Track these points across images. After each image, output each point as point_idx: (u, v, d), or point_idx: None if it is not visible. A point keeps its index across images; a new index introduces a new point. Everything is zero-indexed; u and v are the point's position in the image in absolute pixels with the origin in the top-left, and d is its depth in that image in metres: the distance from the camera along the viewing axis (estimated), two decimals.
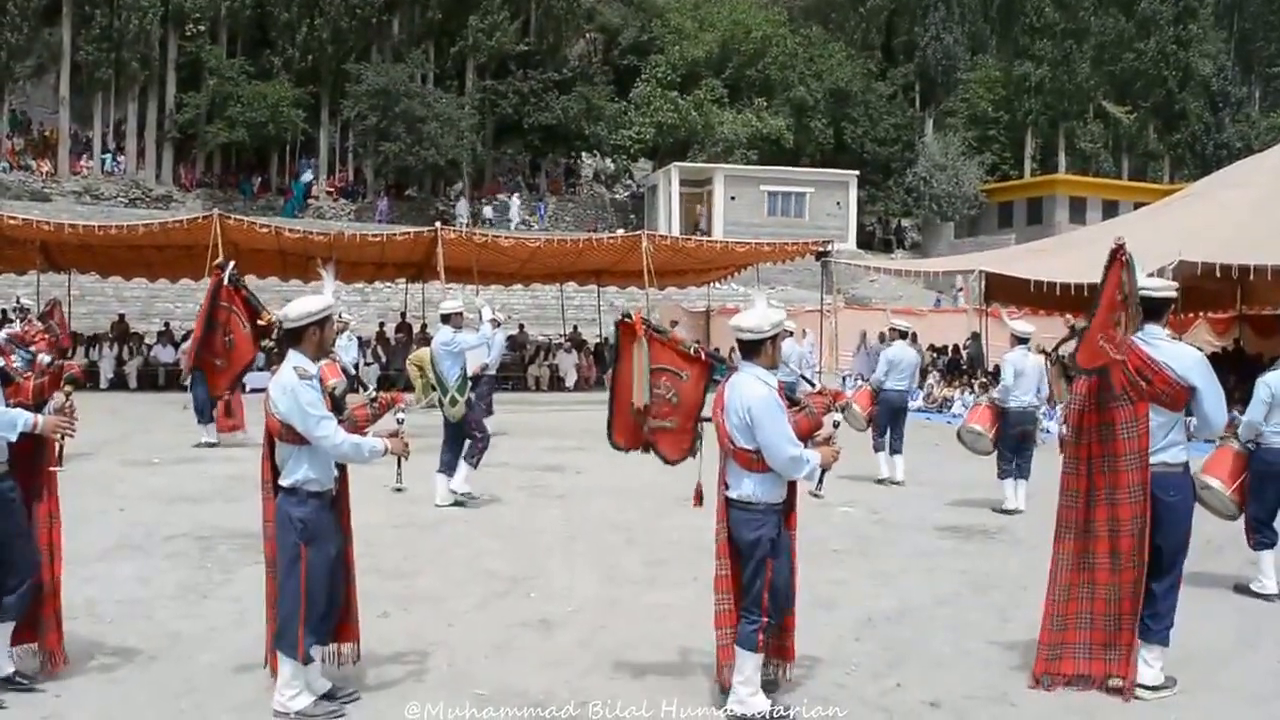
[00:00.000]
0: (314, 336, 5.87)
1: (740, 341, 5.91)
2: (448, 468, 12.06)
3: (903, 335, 15.06)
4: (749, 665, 5.77)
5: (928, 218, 57.98)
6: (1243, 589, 8.69)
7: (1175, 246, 18.65)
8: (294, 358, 5.82)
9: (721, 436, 5.87)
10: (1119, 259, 6.14)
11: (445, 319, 12.44)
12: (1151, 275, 7.02)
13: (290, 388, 5.69)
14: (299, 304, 5.94)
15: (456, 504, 11.92)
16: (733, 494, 5.86)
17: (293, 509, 5.78)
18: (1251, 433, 8.66)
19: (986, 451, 12.83)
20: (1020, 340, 12.57)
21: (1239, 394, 13.32)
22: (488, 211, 52.20)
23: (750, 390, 5.76)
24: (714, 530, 5.96)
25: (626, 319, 6.22)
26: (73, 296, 30.28)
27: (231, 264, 6.24)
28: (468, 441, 12.13)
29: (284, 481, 5.82)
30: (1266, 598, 8.53)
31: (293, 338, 5.88)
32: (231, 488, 12.53)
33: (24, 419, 5.84)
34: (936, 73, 61.56)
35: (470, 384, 12.50)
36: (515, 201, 52.82)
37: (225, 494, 12.29)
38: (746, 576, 5.79)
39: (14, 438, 5.84)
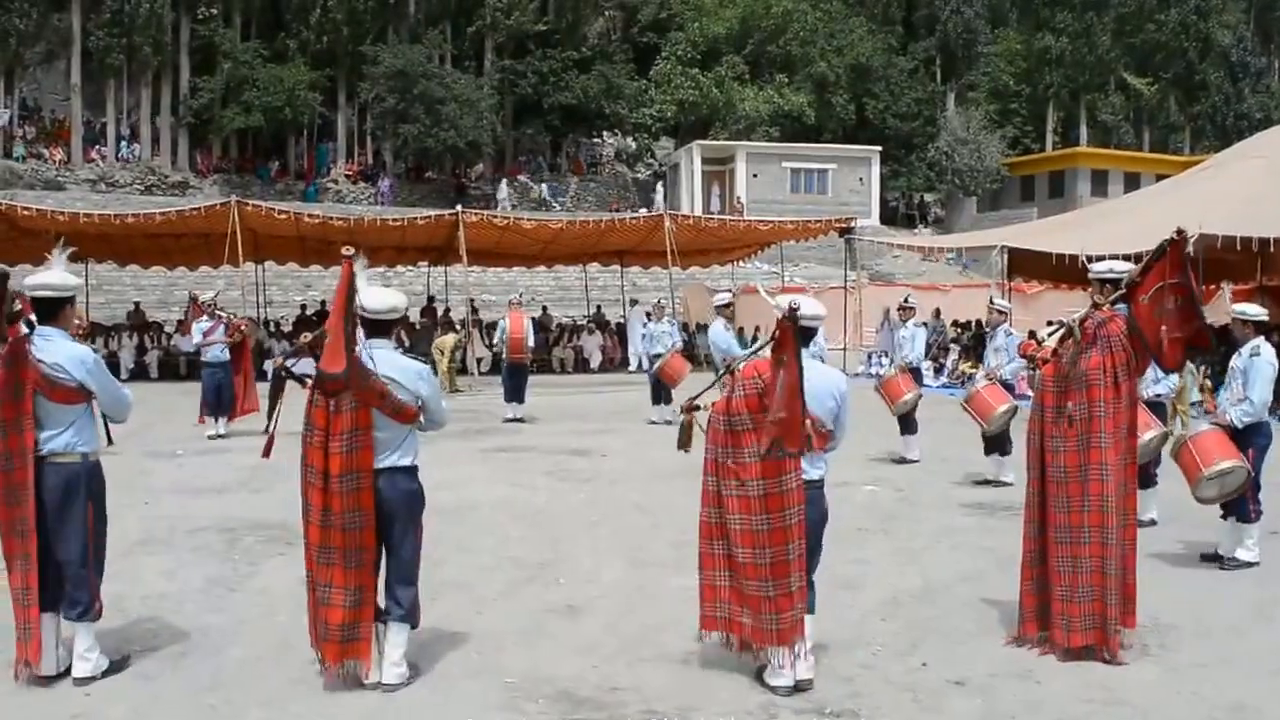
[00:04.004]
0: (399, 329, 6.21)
1: (803, 328, 5.86)
2: None
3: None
4: (811, 627, 6.01)
5: (950, 192, 57.83)
6: (1212, 557, 8.82)
7: (1196, 218, 18.55)
8: (388, 345, 6.16)
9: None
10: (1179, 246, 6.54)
11: (721, 309, 13.49)
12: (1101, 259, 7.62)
13: (427, 374, 6.15)
14: (386, 295, 6.21)
15: None
16: (812, 475, 6.01)
17: (415, 485, 6.12)
18: (1263, 411, 8.63)
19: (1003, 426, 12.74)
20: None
21: None
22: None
23: (836, 376, 6.19)
24: (769, 516, 5.87)
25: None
26: (90, 286, 30.38)
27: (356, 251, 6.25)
28: None
29: (404, 461, 6.04)
30: (1248, 565, 8.64)
31: (383, 329, 6.14)
32: (255, 478, 12.52)
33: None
34: (957, 46, 61.23)
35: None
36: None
37: (249, 485, 12.29)
38: (811, 548, 6.02)
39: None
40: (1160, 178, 41.84)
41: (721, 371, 6.21)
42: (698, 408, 6.43)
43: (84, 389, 6.01)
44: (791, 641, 5.88)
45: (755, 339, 15.53)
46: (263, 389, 16.82)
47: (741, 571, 5.94)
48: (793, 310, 5.70)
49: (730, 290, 13.17)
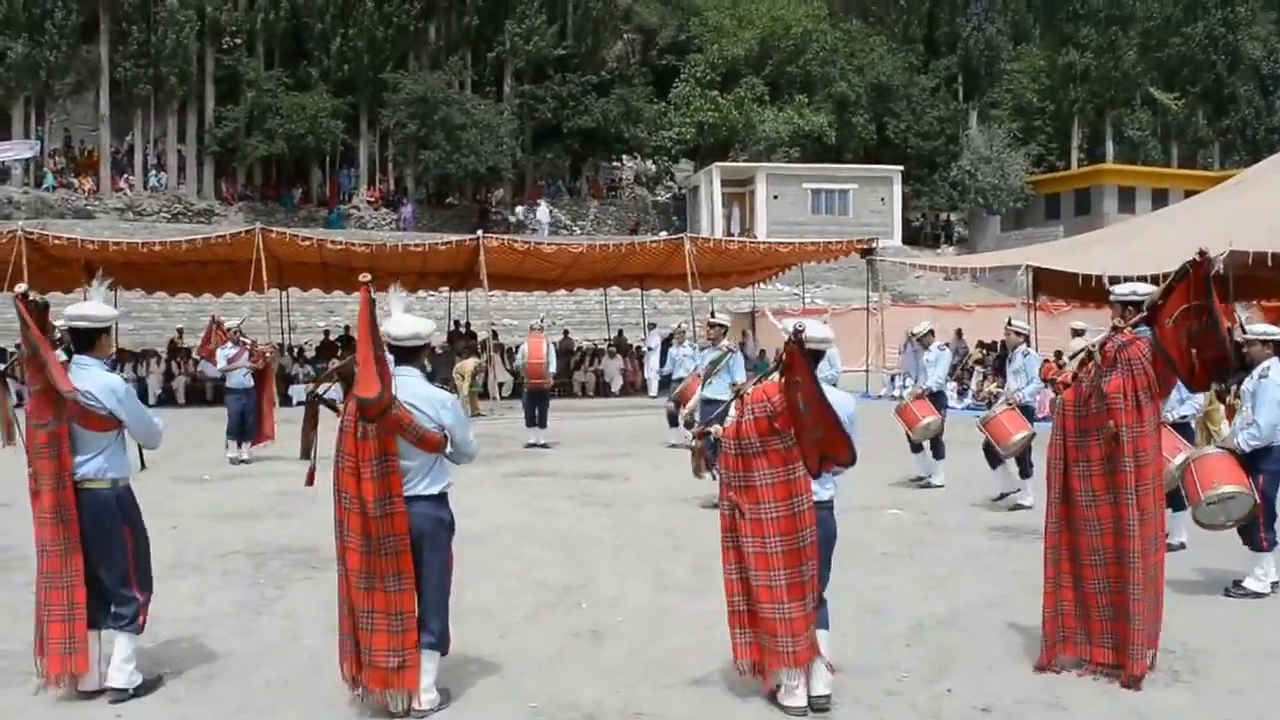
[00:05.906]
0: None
1: (812, 351, 5.94)
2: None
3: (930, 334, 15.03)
4: (826, 643, 6.04)
5: (974, 211, 57.47)
6: (1239, 586, 8.56)
7: (1226, 235, 18.41)
8: (415, 373, 6.14)
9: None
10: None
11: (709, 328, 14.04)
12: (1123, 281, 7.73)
13: (451, 404, 6.16)
14: (409, 322, 6.17)
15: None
16: (822, 496, 6.07)
17: (443, 512, 6.14)
18: (1271, 435, 8.42)
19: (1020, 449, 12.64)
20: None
21: None
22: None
23: (845, 398, 6.27)
24: (783, 538, 5.93)
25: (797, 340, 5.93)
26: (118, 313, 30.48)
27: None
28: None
29: (431, 490, 6.08)
30: (1261, 595, 8.42)
31: (408, 356, 6.14)
32: (282, 503, 12.60)
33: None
34: (979, 64, 60.92)
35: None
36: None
37: (276, 509, 12.34)
38: (824, 566, 6.11)
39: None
40: (1189, 194, 41.60)
41: (731, 397, 6.25)
42: (708, 434, 6.47)
43: (114, 417, 6.19)
44: (807, 663, 5.93)
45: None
46: (287, 414, 17.12)
47: (756, 595, 5.98)
48: (797, 332, 5.81)
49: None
